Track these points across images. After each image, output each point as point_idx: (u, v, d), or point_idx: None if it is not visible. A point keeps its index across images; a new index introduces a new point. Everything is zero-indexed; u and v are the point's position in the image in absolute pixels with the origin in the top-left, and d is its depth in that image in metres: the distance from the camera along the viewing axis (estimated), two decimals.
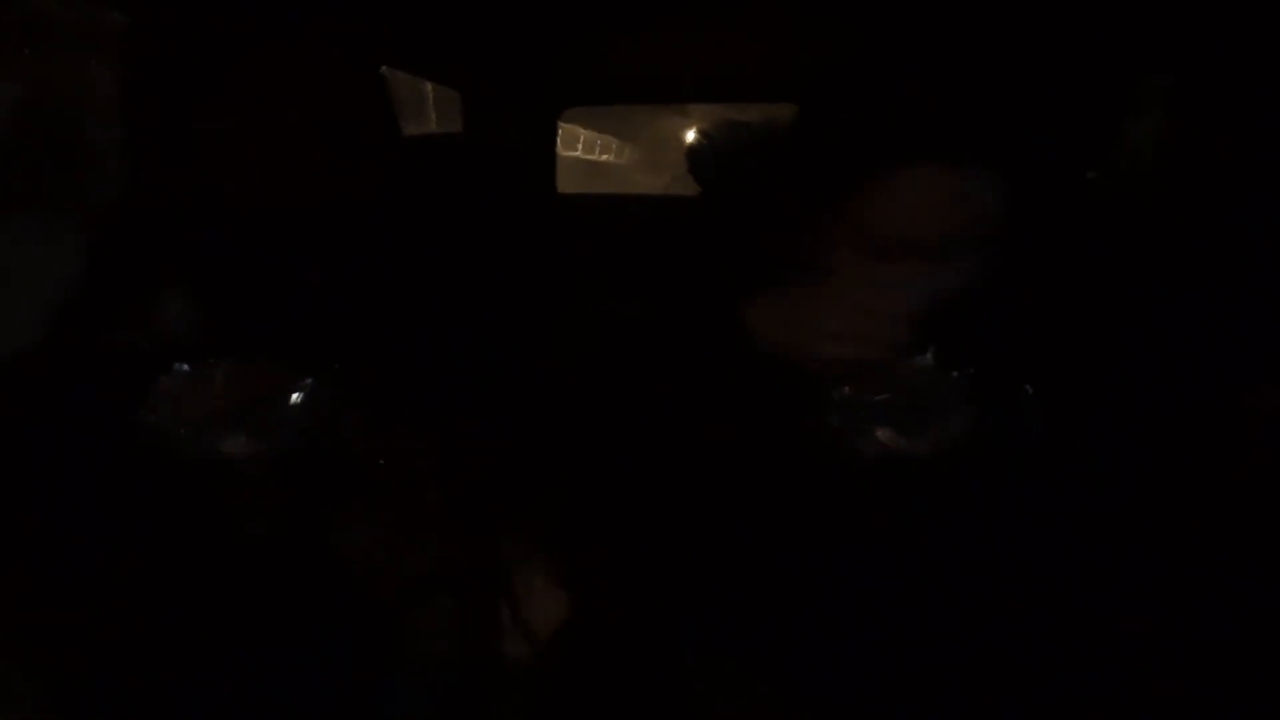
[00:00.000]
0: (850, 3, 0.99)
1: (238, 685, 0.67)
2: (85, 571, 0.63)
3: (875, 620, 0.61)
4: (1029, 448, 0.61)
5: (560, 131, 1.70)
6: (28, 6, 1.42)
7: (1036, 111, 0.62)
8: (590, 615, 0.71)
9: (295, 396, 0.63)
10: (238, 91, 0.69)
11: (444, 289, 0.78)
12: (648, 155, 6.71)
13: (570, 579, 0.75)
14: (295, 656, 0.69)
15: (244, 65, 0.69)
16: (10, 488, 0.63)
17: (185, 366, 0.62)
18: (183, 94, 0.70)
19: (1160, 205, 0.80)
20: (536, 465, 0.76)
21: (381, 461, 0.70)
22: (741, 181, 0.73)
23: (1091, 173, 0.76)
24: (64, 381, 0.69)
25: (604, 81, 1.52)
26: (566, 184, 1.66)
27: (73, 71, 1.51)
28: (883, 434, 0.59)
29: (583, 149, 6.39)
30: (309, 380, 0.64)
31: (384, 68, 0.83)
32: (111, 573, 0.62)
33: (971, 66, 0.62)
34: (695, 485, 0.64)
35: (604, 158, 6.95)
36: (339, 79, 0.74)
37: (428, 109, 2.34)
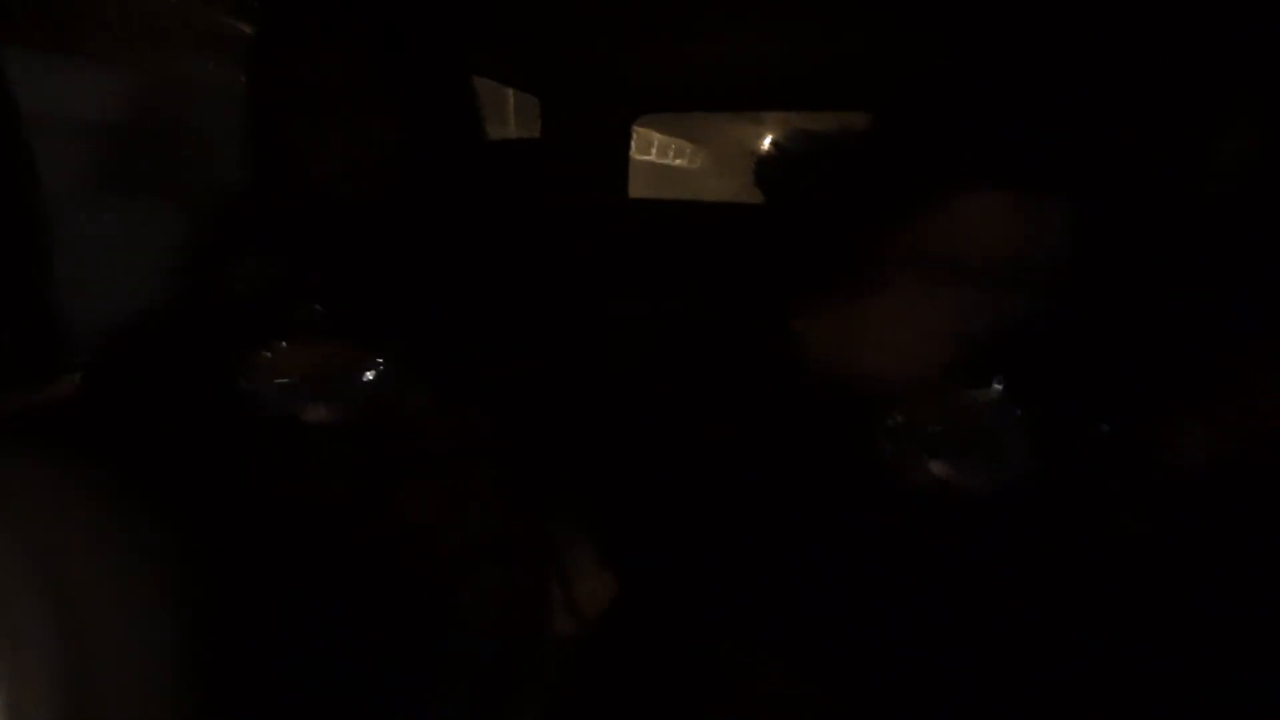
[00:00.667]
0: (927, 14, 0.98)
1: (292, 638, 0.71)
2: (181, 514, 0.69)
3: (913, 635, 0.61)
4: (1093, 492, 0.59)
5: (635, 135, 1.73)
6: (150, 9, 1.53)
7: (1115, 134, 0.60)
8: (636, 599, 0.73)
9: (369, 373, 0.68)
10: (332, 90, 0.75)
11: (512, 281, 0.82)
12: (720, 161, 6.72)
13: (619, 562, 0.76)
14: (349, 615, 0.74)
15: (339, 66, 0.75)
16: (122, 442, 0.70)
17: (278, 340, 0.68)
18: (281, 91, 0.76)
19: (1253, 229, 0.76)
20: (586, 453, 0.79)
21: (440, 434, 0.74)
22: (807, 193, 0.73)
23: (1175, 196, 0.73)
24: (171, 348, 0.76)
25: (678, 88, 1.55)
26: (637, 188, 1.69)
27: (187, 69, 1.63)
28: (936, 466, 0.57)
29: (656, 153, 6.44)
30: (380, 359, 0.69)
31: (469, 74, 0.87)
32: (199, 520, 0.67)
33: (1050, 85, 0.61)
34: (740, 485, 0.65)
35: (677, 162, 6.99)
36: (427, 83, 0.79)
37: (508, 113, 2.41)
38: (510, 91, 1.96)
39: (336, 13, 0.76)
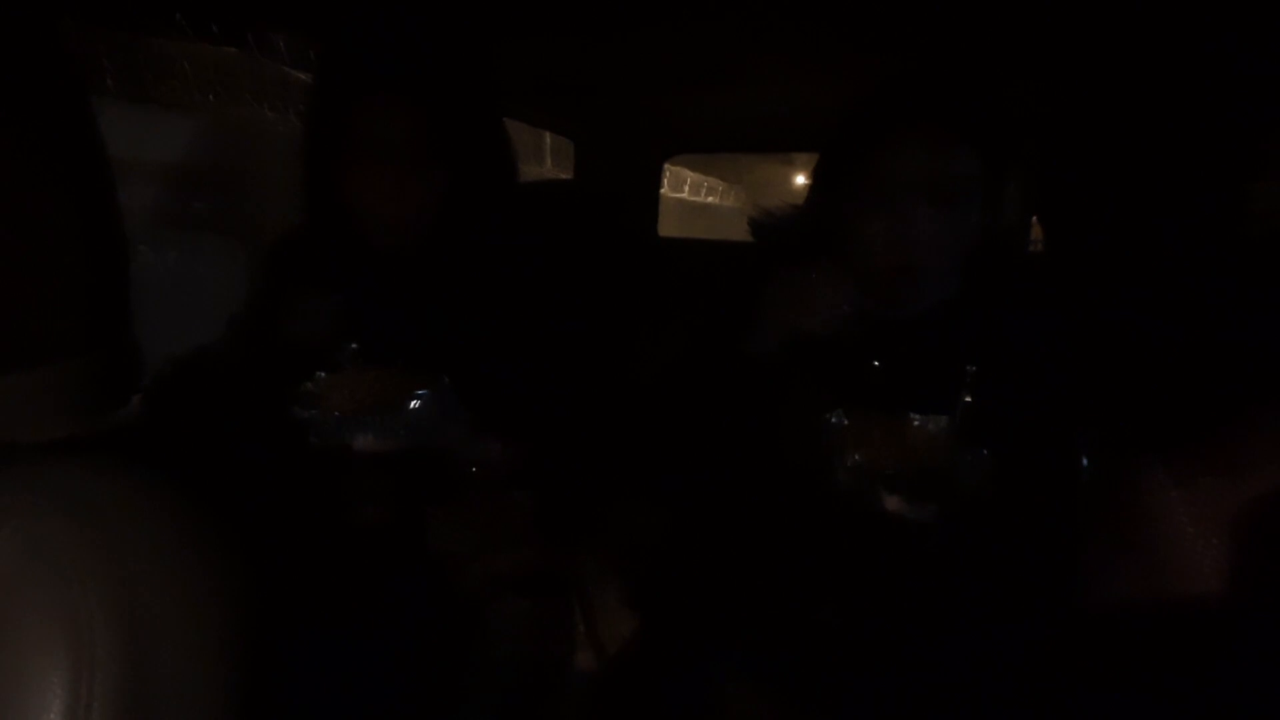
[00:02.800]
0: (937, 59, 1.02)
1: (323, 656, 0.74)
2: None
3: (893, 657, 0.61)
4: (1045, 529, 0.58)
5: (668, 174, 1.78)
6: (218, 60, 1.64)
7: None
8: (656, 636, 0.74)
9: (414, 404, 0.72)
10: (377, 136, 0.80)
11: (546, 317, 0.86)
12: (750, 198, 6.78)
13: (641, 601, 0.78)
14: (378, 636, 0.76)
15: (393, 116, 0.80)
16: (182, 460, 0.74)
17: (323, 373, 0.73)
18: (332, 139, 0.81)
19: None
20: (611, 485, 0.81)
21: (474, 468, 0.77)
22: (788, 246, 0.81)
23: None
24: (227, 377, 0.81)
25: (708, 129, 1.59)
26: (667, 226, 1.74)
27: (248, 115, 1.74)
28: (891, 502, 0.60)
29: (689, 191, 6.54)
30: (425, 390, 0.72)
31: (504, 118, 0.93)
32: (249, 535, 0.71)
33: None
34: (758, 525, 0.67)
35: (709, 200, 7.09)
36: (466, 129, 0.84)
37: (545, 155, 2.50)
38: (546, 134, 2.03)
39: (392, 65, 0.80)
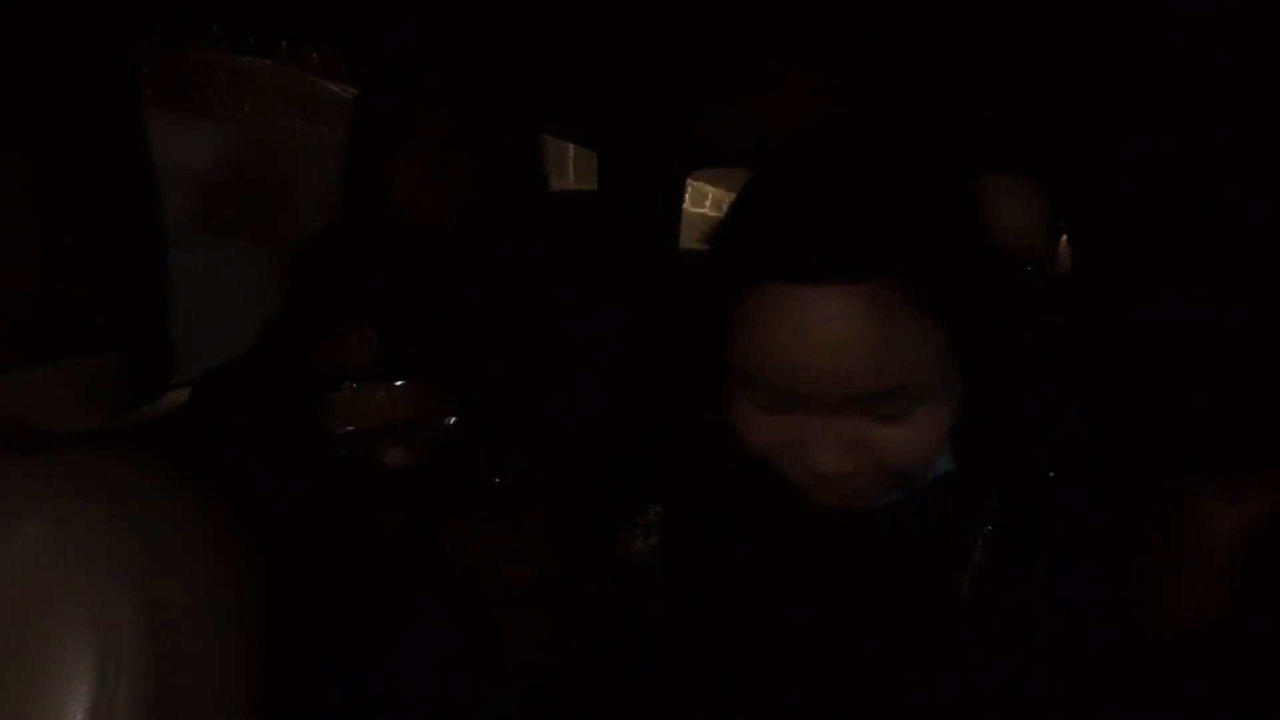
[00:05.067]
0: (958, 73, 1.02)
1: (337, 659, 0.74)
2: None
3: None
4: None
5: (690, 189, 1.79)
6: (252, 70, 1.68)
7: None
8: (665, 659, 0.74)
9: (442, 417, 0.72)
10: (410, 148, 0.82)
11: (568, 329, 0.87)
12: None
13: (654, 624, 0.77)
14: (394, 647, 0.76)
15: (436, 116, 0.83)
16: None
17: (353, 384, 0.74)
18: (380, 136, 0.84)
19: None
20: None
21: (497, 478, 0.77)
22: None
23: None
24: (255, 387, 0.82)
25: (728, 145, 1.60)
26: (690, 239, 1.74)
27: (280, 125, 1.77)
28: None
29: (710, 206, 6.56)
30: (452, 403, 0.73)
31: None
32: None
33: None
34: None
35: None
36: (508, 136, 0.87)
37: (567, 167, 2.52)
38: (570, 147, 2.06)
39: (435, 68, 0.84)
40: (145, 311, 0.42)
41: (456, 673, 0.78)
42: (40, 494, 0.33)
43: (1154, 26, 0.86)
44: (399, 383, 0.73)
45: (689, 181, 1.75)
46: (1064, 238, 1.44)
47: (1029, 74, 1.07)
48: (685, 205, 1.78)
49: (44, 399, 0.37)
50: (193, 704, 0.33)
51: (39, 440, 0.36)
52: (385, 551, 0.78)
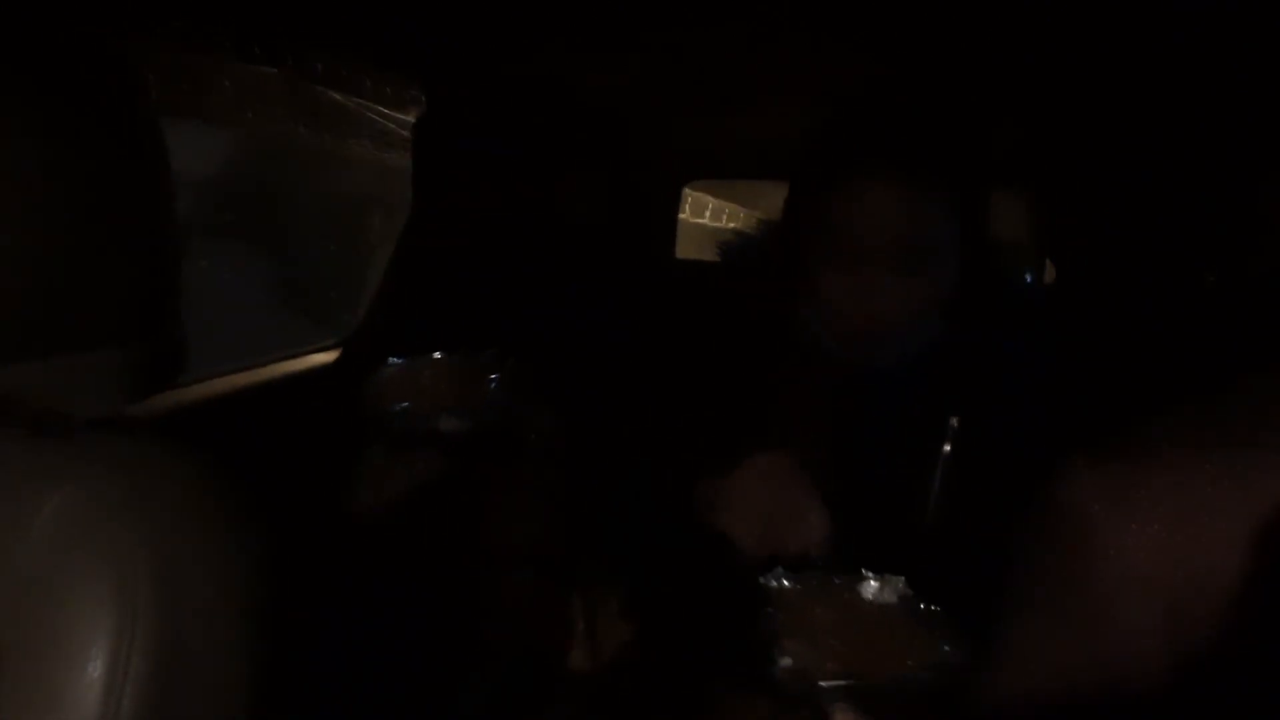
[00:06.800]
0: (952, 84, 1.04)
1: (330, 634, 0.75)
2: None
3: None
4: None
5: (689, 200, 1.82)
6: (258, 80, 1.71)
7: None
8: (649, 644, 0.75)
9: (490, 386, 0.74)
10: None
11: (588, 319, 0.97)
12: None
13: (639, 613, 0.79)
14: (381, 613, 0.77)
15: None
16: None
17: (397, 361, 0.76)
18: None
19: None
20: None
21: (533, 435, 0.79)
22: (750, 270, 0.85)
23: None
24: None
25: (723, 157, 1.63)
26: (686, 248, 1.77)
27: (280, 131, 1.80)
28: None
29: (709, 216, 6.61)
30: (495, 376, 0.75)
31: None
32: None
33: None
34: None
35: (730, 225, 7.17)
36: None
37: None
38: None
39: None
40: (159, 308, 0.45)
41: (438, 656, 0.79)
42: (69, 466, 0.35)
43: (1140, 42, 0.88)
44: (436, 355, 0.75)
45: (687, 192, 1.77)
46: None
47: (1018, 89, 1.10)
48: (684, 216, 1.81)
49: (67, 387, 0.40)
50: (200, 670, 0.35)
51: (63, 423, 0.38)
52: (372, 535, 0.79)
